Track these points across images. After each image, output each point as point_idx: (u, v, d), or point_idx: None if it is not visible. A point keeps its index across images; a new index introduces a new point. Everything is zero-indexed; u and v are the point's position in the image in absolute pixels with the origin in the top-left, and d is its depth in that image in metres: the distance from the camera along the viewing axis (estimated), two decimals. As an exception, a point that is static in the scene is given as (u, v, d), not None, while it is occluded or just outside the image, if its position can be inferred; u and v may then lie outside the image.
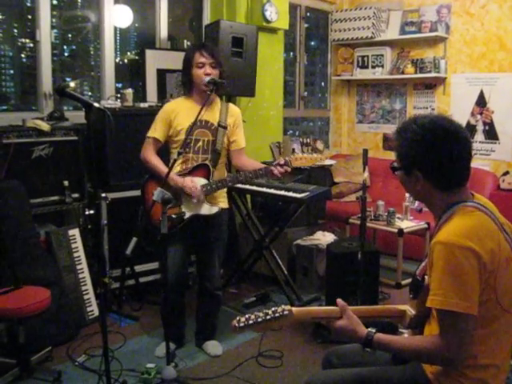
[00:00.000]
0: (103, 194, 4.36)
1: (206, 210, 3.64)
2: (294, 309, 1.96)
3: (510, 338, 1.98)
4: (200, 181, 3.60)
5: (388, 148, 1.95)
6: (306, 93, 7.60)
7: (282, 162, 3.51)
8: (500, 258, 1.85)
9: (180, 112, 3.68)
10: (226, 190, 3.89)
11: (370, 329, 1.96)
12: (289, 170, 3.52)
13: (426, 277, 1.99)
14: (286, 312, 1.93)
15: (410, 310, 2.09)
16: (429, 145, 1.94)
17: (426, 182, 1.97)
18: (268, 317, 1.92)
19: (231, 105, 3.89)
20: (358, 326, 1.98)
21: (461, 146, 1.94)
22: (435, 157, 1.93)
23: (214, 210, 3.67)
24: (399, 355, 2.06)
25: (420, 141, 1.94)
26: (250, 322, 1.92)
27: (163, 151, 3.78)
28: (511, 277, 1.91)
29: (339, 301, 2.02)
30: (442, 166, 1.94)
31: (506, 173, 6.08)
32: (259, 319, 1.92)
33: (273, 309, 1.95)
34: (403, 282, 5.13)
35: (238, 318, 1.94)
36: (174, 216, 3.56)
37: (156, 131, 3.70)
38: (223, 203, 3.82)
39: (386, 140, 6.89)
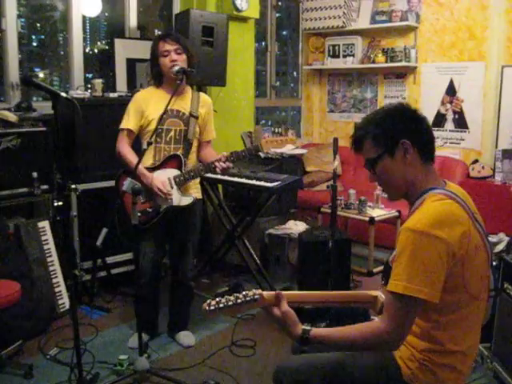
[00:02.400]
0: (73, 185, 4.32)
1: (180, 201, 3.62)
2: (264, 293, 1.95)
3: (478, 324, 2.01)
4: (172, 172, 3.58)
5: (355, 146, 1.95)
6: (277, 82, 7.60)
7: (224, 158, 3.51)
8: (469, 245, 1.86)
9: (151, 101, 3.64)
10: (199, 180, 3.88)
11: (304, 326, 1.93)
12: (231, 165, 3.54)
13: None
14: (256, 296, 1.93)
15: (382, 296, 2.09)
16: (406, 113, 2.02)
17: (414, 150, 1.97)
18: (239, 300, 1.92)
19: (202, 94, 3.87)
20: (292, 324, 1.92)
21: (424, 115, 2.06)
22: (415, 119, 2.01)
23: (189, 200, 3.64)
24: (339, 348, 2.02)
25: (395, 113, 2.03)
26: (221, 305, 1.91)
27: (137, 143, 3.75)
28: (480, 264, 1.93)
29: (280, 297, 1.95)
30: (423, 127, 2.02)
31: (476, 161, 6.15)
32: (230, 303, 1.92)
33: (244, 293, 1.94)
34: (375, 270, 5.17)
35: (208, 301, 1.93)
36: (149, 210, 3.56)
37: (129, 122, 3.64)
38: (196, 193, 3.80)
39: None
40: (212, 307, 1.91)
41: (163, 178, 3.55)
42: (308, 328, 1.92)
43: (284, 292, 1.98)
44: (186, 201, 3.64)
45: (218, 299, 1.93)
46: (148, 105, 3.64)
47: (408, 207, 2.07)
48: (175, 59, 3.56)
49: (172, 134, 3.64)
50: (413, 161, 1.98)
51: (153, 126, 3.56)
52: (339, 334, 1.91)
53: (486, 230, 2.00)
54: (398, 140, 1.97)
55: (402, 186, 2.03)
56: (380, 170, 2.04)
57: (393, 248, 2.13)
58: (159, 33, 5.83)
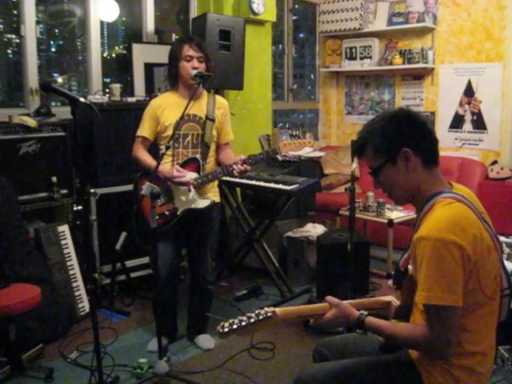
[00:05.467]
0: (92, 190, 4.35)
1: (198, 203, 3.62)
2: (277, 309, 1.94)
3: (494, 323, 2.00)
4: (191, 175, 3.58)
5: (358, 154, 1.98)
6: (295, 85, 7.60)
7: (241, 161, 3.50)
8: (482, 247, 1.86)
9: (167, 107, 3.64)
10: (217, 183, 3.88)
11: (361, 311, 1.99)
12: (248, 168, 3.53)
13: (409, 267, 2.01)
14: (269, 314, 1.92)
15: (395, 301, 2.10)
16: (404, 119, 2.02)
17: (416, 158, 1.98)
18: (252, 320, 1.91)
19: (218, 97, 3.87)
20: (349, 309, 2.00)
21: (424, 118, 2.07)
22: (415, 125, 2.01)
23: (206, 203, 3.65)
24: (390, 341, 2.07)
25: (395, 120, 2.02)
26: (234, 326, 1.90)
27: (154, 148, 3.77)
28: (493, 265, 1.94)
29: (328, 297, 2.03)
30: (423, 132, 2.01)
31: (495, 162, 6.10)
32: (243, 323, 1.91)
33: (256, 311, 1.93)
34: (393, 273, 5.14)
35: (221, 324, 1.92)
36: (167, 212, 3.57)
37: (144, 129, 3.66)
38: (215, 197, 3.80)
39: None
40: (226, 329, 1.90)
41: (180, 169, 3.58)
42: (365, 313, 1.99)
43: (305, 306, 2.06)
44: (203, 203, 3.64)
45: (231, 321, 1.92)
46: (164, 111, 3.64)
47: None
48: (197, 67, 3.56)
49: (189, 138, 3.65)
50: (415, 167, 1.99)
51: (170, 132, 3.56)
52: (391, 330, 1.96)
53: (497, 230, 2.01)
54: (398, 148, 1.98)
55: (406, 192, 2.05)
56: (383, 177, 2.06)
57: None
58: (176, 37, 5.85)
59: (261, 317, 1.92)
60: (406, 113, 2.05)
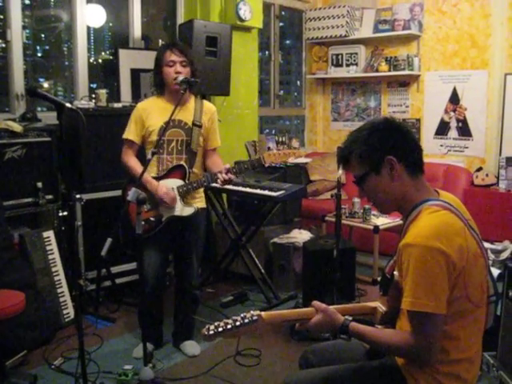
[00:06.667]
0: (77, 195, 4.32)
1: (183, 211, 3.62)
2: (263, 313, 1.95)
3: (481, 330, 2.01)
4: (176, 182, 3.58)
5: (343, 165, 2.01)
6: (281, 91, 7.61)
7: (226, 170, 3.49)
8: (468, 254, 1.87)
9: (152, 112, 3.64)
10: (203, 189, 3.86)
11: (346, 316, 2.00)
12: (233, 177, 3.52)
13: (395, 273, 2.01)
14: (254, 317, 1.93)
15: (381, 307, 2.11)
16: (389, 128, 2.03)
17: (400, 166, 1.98)
18: (237, 323, 1.92)
19: (206, 102, 3.86)
20: (335, 314, 2.01)
21: (408, 128, 2.09)
22: (399, 134, 2.02)
23: (191, 211, 3.64)
24: (373, 347, 2.09)
25: (379, 129, 2.03)
26: (220, 329, 1.91)
27: (142, 152, 3.76)
28: (480, 272, 1.94)
29: (315, 302, 2.04)
30: (408, 141, 2.02)
31: (480, 169, 6.15)
32: (228, 326, 1.91)
33: (242, 315, 1.94)
34: (379, 279, 5.15)
35: (207, 327, 1.93)
36: (152, 219, 3.56)
37: (130, 133, 3.66)
38: (200, 203, 3.79)
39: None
40: (211, 332, 1.91)
41: (168, 187, 3.56)
42: (349, 318, 2.00)
43: (291, 310, 2.06)
44: (188, 211, 3.63)
45: (216, 323, 1.93)
46: (149, 115, 3.63)
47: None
48: (180, 71, 3.56)
49: (173, 144, 3.64)
50: (400, 176, 2.00)
51: (154, 137, 3.57)
52: (375, 336, 1.97)
53: (483, 237, 2.02)
54: (382, 157, 1.99)
55: (391, 201, 2.05)
56: (367, 186, 2.07)
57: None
58: (163, 43, 5.85)
59: (246, 320, 1.92)
60: (390, 122, 2.05)
